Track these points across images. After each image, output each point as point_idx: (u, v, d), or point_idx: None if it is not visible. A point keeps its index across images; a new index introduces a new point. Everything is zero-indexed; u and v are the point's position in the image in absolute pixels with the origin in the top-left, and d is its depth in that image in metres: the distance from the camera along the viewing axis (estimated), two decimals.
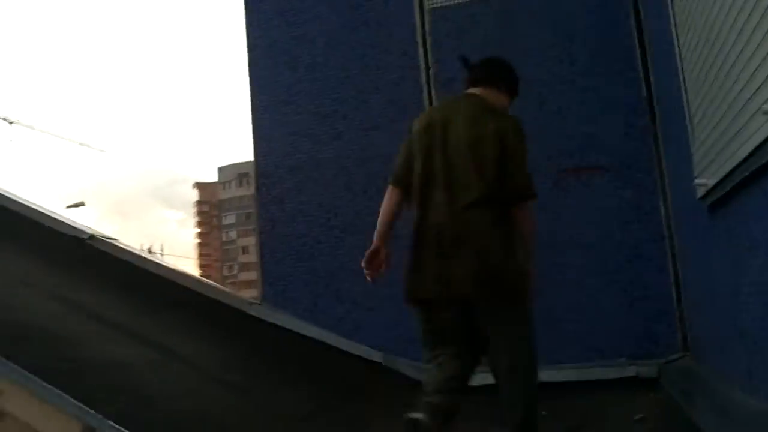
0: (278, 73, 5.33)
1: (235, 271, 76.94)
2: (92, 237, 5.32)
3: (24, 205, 5.71)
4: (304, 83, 5.25)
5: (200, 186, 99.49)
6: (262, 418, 3.63)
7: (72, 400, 2.93)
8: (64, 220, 5.54)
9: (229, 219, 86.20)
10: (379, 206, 4.90)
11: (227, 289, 5.35)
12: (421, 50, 4.97)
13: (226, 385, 3.97)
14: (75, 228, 5.43)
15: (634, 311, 4.38)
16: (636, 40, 4.55)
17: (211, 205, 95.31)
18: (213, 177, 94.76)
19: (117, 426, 2.85)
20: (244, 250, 74.70)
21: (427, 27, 4.97)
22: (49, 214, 5.59)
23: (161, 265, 5.21)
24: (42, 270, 4.91)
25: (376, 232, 2.89)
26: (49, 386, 2.98)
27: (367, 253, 2.84)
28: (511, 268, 2.55)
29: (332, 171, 5.09)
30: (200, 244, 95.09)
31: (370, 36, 5.11)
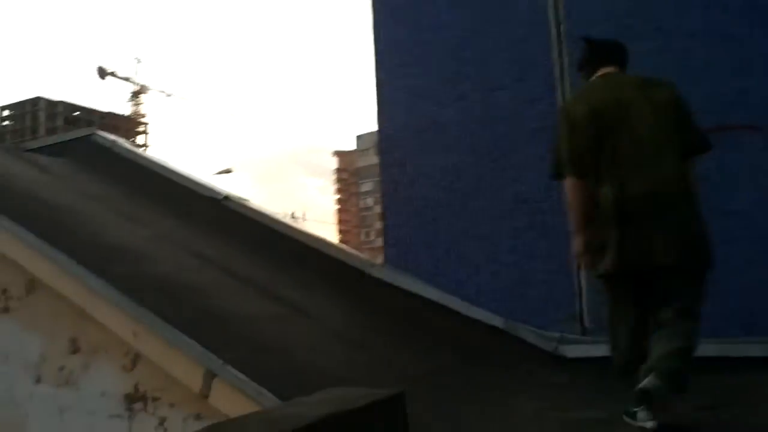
0: (402, 36, 5.28)
1: (372, 237, 78.81)
2: (226, 198, 5.60)
3: (169, 169, 6.12)
4: (427, 44, 5.16)
5: (339, 154, 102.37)
6: (381, 375, 3.68)
7: (196, 344, 3.12)
8: (203, 183, 5.87)
9: (367, 186, 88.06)
10: (504, 168, 4.80)
11: (351, 250, 5.44)
12: (551, 4, 4.70)
13: (347, 342, 4.06)
14: (211, 190, 5.74)
15: None
16: None
17: (349, 172, 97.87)
18: (351, 145, 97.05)
19: (236, 372, 3.00)
20: (380, 216, 76.20)
21: None
22: (190, 177, 5.95)
23: (288, 225, 5.40)
24: (182, 228, 5.26)
25: (577, 229, 2.79)
26: (176, 331, 3.19)
27: (580, 250, 2.79)
28: (705, 234, 2.66)
29: (455, 133, 4.99)
30: (339, 211, 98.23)
31: None
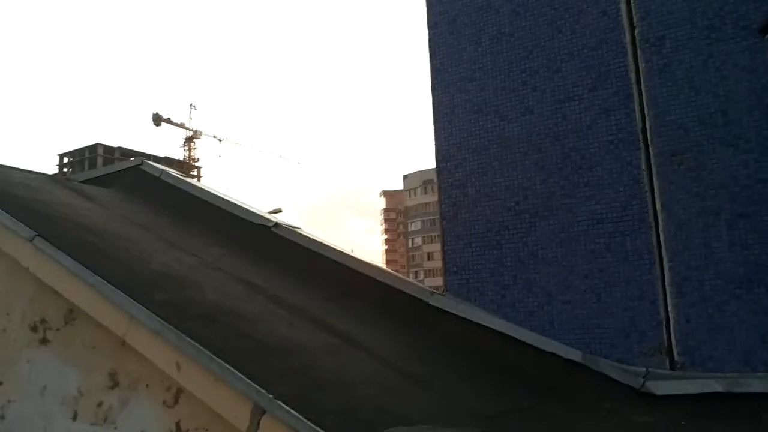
0: (461, 49, 4.98)
1: (421, 277, 78.15)
2: (276, 225, 5.32)
3: (218, 197, 5.90)
4: (489, 56, 4.83)
5: (387, 194, 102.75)
6: (446, 414, 3.27)
7: (243, 378, 2.78)
8: (252, 210, 5.62)
9: (415, 225, 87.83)
10: (577, 185, 4.40)
11: (408, 278, 5.07)
12: (624, 7, 4.33)
13: (407, 376, 3.66)
14: (262, 217, 5.48)
15: None
16: None
17: (397, 212, 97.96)
18: (399, 185, 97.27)
19: (288, 408, 2.64)
20: (429, 256, 75.63)
21: None
22: (239, 204, 5.71)
23: (342, 252, 5.06)
24: (231, 255, 4.98)
25: None
26: (222, 362, 2.86)
27: None
28: None
29: (521, 149, 4.61)
30: (387, 250, 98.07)
31: None
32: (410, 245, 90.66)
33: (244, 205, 5.70)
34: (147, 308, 3.27)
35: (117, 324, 3.36)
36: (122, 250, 4.31)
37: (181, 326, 3.15)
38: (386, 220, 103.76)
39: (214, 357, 2.93)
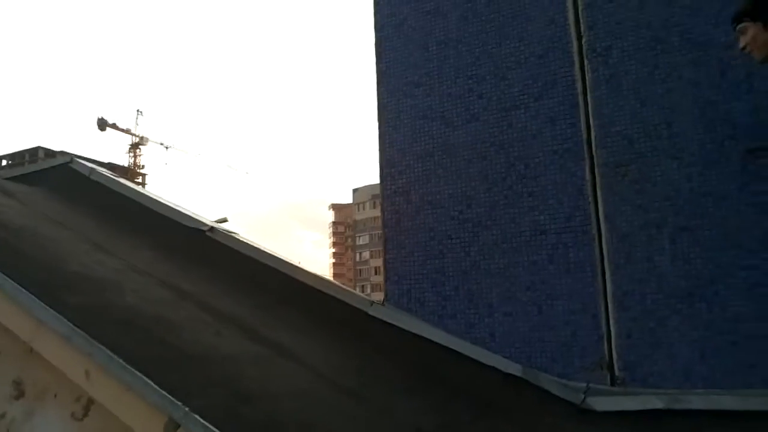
0: (408, 53, 4.86)
1: (368, 291, 77.95)
2: (212, 229, 5.07)
3: (151, 198, 5.61)
4: (436, 62, 4.73)
5: (336, 207, 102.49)
6: (381, 428, 3.09)
7: (157, 388, 2.54)
8: (186, 213, 5.35)
9: (363, 239, 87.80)
10: (521, 195, 4.32)
11: (347, 287, 4.88)
12: (571, 16, 4.29)
13: (340, 389, 3.47)
14: (196, 220, 5.21)
15: None
16: None
17: (345, 225, 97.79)
18: (348, 199, 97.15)
19: (204, 422, 2.41)
20: (377, 270, 75.58)
21: None
22: (173, 206, 5.43)
23: (280, 259, 4.84)
24: (160, 259, 4.71)
25: None
26: (135, 371, 2.61)
27: None
28: None
29: (466, 157, 4.50)
30: (335, 264, 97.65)
31: (510, 5, 4.50)
32: (358, 259, 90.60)
33: (178, 208, 5.42)
34: (58, 311, 3.00)
35: (23, 328, 3.06)
36: (39, 250, 4.00)
37: (94, 332, 2.88)
38: (334, 234, 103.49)
39: (127, 365, 2.68)
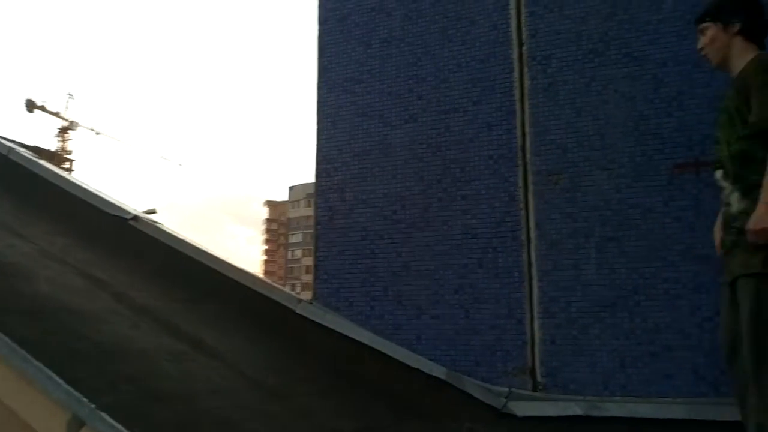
0: (350, 49, 4.78)
1: (298, 290, 77.33)
2: (135, 218, 4.85)
3: (73, 183, 5.33)
4: (378, 60, 4.67)
5: (270, 204, 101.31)
6: (299, 429, 3.00)
7: (62, 383, 2.38)
8: (109, 200, 5.10)
9: (296, 238, 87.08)
10: (455, 198, 4.30)
11: (275, 284, 4.76)
12: (514, 23, 4.31)
13: (261, 388, 3.37)
14: (119, 208, 4.98)
15: None
16: None
17: (279, 223, 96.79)
18: (283, 196, 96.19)
19: (112, 421, 2.27)
20: (308, 269, 74.98)
21: None
22: (95, 192, 5.17)
23: (205, 252, 4.67)
24: (78, 247, 4.47)
25: None
26: (39, 364, 2.44)
27: None
28: None
29: (403, 157, 4.46)
30: (266, 261, 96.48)
31: (455, 7, 4.49)
32: (290, 257, 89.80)
33: (100, 194, 5.17)
34: None
35: None
36: None
37: None
38: (268, 231, 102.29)
39: (30, 358, 2.50)
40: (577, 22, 4.13)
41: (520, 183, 4.10)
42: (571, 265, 3.87)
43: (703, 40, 2.68)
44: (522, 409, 3.76)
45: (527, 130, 4.14)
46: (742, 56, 2.53)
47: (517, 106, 4.20)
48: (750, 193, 2.42)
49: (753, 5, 2.58)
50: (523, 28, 4.26)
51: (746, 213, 2.41)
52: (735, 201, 2.54)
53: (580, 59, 4.09)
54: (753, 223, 2.30)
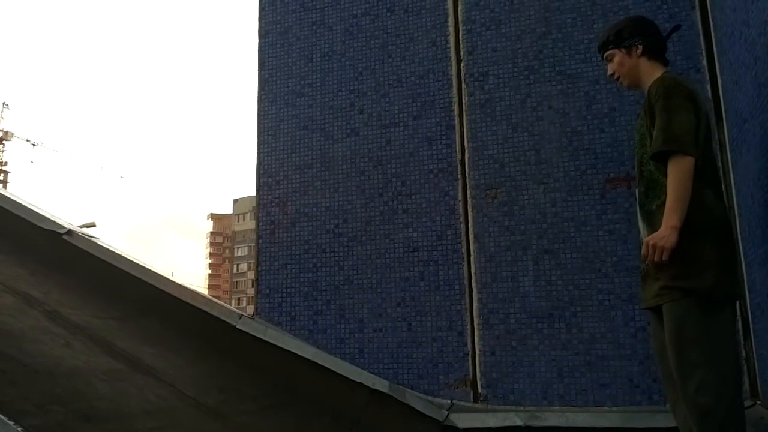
0: (291, 62, 4.78)
1: (243, 303, 76.20)
2: (69, 232, 4.70)
3: (2, 195, 5.13)
4: (319, 73, 4.68)
5: (215, 217, 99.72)
6: None
7: None
8: (41, 213, 4.93)
9: (242, 251, 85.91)
10: (396, 211, 4.34)
11: (214, 299, 4.69)
12: (452, 40, 4.39)
13: (200, 407, 3.30)
14: (52, 222, 4.82)
15: None
16: (701, 34, 3.94)
17: (224, 236, 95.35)
18: (228, 209, 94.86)
19: None
20: (253, 283, 74.18)
21: (460, 15, 4.40)
22: (26, 205, 4.99)
23: (143, 268, 4.57)
24: (8, 264, 4.30)
25: (681, 219, 2.32)
26: None
27: (671, 247, 2.31)
28: None
29: (344, 170, 4.48)
30: (211, 275, 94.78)
31: (394, 23, 4.55)
32: (235, 271, 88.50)
33: (32, 207, 5.00)
34: None
35: None
36: None
37: None
38: (212, 244, 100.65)
39: None
40: (513, 40, 4.24)
41: (460, 197, 4.17)
42: (510, 277, 3.95)
43: (612, 67, 2.78)
44: (463, 421, 3.80)
45: (466, 144, 4.22)
46: (650, 75, 2.65)
47: (456, 121, 4.28)
48: (651, 220, 2.50)
49: (648, 26, 2.72)
50: (461, 45, 4.35)
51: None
52: (641, 228, 2.62)
53: (516, 76, 4.20)
54: (652, 237, 2.34)
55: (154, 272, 4.48)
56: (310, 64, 4.73)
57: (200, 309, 4.35)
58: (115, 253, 4.63)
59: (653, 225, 2.44)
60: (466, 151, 4.20)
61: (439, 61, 4.41)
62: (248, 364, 4.07)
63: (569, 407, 3.72)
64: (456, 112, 4.28)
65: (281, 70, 4.80)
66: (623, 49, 2.68)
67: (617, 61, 2.73)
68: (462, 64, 4.34)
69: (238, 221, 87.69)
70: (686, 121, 2.37)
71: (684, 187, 2.30)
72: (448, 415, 3.77)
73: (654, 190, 2.49)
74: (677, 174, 2.31)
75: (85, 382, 2.96)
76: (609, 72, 2.83)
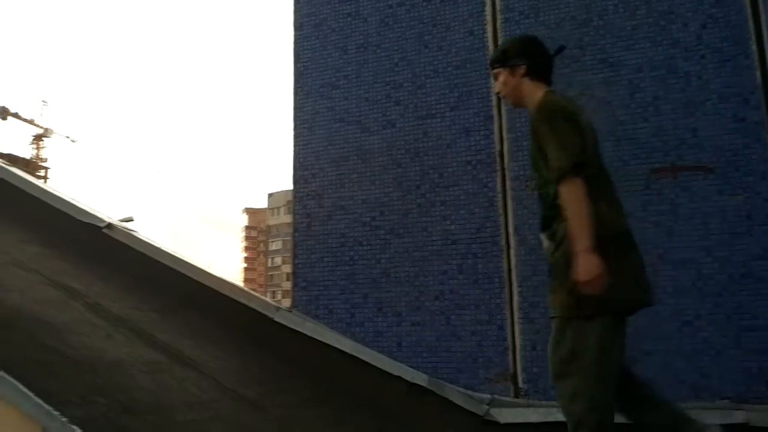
0: (326, 54, 4.75)
1: (278, 297, 76.94)
2: (109, 226, 4.77)
3: (43, 189, 5.22)
4: (354, 65, 4.65)
5: (250, 211, 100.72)
6: None
7: (32, 396, 2.31)
8: (82, 207, 5.01)
9: (276, 245, 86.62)
10: (433, 204, 4.29)
11: (253, 292, 4.70)
12: (490, 29, 4.31)
13: (240, 399, 3.31)
14: (92, 216, 4.89)
15: (742, 343, 3.55)
16: (749, 18, 3.80)
17: (258, 230, 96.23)
18: (263, 203, 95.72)
19: None
20: (288, 277, 74.60)
21: (498, 4, 4.32)
22: (67, 200, 5.07)
23: (183, 261, 4.61)
24: (50, 257, 4.38)
25: (590, 238, 2.30)
26: (7, 377, 2.37)
27: (598, 271, 2.27)
28: None
29: (381, 163, 4.44)
30: (246, 269, 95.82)
31: (431, 13, 4.49)
32: (270, 265, 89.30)
33: (73, 202, 5.08)
34: None
35: None
36: None
37: None
38: (247, 238, 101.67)
39: None
40: (552, 28, 4.15)
41: (499, 188, 4.10)
42: None
43: (497, 85, 2.80)
44: (504, 415, 3.74)
45: (505, 135, 4.14)
46: (532, 95, 2.66)
47: (495, 111, 4.20)
48: (552, 237, 2.52)
49: (534, 48, 2.75)
50: (499, 34, 4.27)
51: (552, 254, 2.52)
52: (545, 243, 2.62)
53: (556, 65, 4.08)
54: (579, 274, 2.29)
55: (194, 265, 4.51)
56: (346, 56, 4.69)
57: (239, 302, 4.37)
58: (155, 246, 4.67)
59: (555, 240, 2.48)
60: (505, 141, 4.13)
61: (476, 50, 4.33)
62: (286, 357, 4.07)
63: None
64: (494, 103, 4.20)
65: (316, 63, 4.77)
66: (507, 69, 2.70)
67: (501, 80, 2.75)
68: None
69: (273, 215, 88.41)
70: (569, 145, 2.38)
71: (581, 209, 2.32)
72: (488, 409, 3.71)
73: (552, 210, 2.50)
74: (573, 200, 2.34)
75: (126, 374, 2.99)
76: (495, 90, 2.84)
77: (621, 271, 2.34)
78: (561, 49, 2.80)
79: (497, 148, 4.16)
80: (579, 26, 4.13)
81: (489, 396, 3.85)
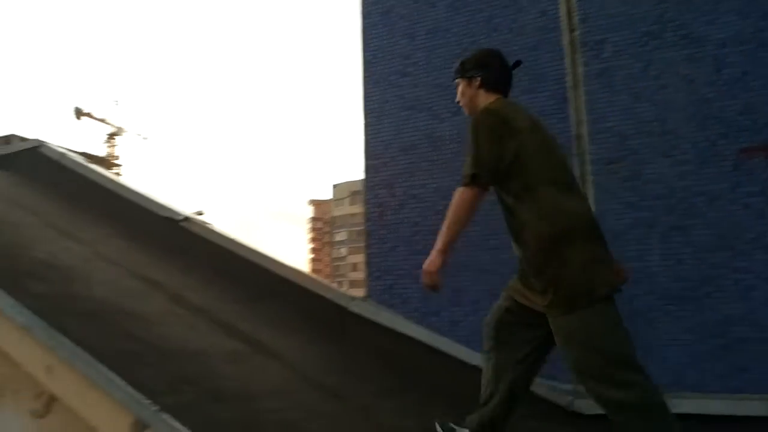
0: (394, 42, 4.71)
1: (345, 287, 77.74)
2: (186, 219, 4.87)
3: (123, 185, 5.40)
4: (423, 51, 4.59)
5: (315, 203, 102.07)
6: (359, 428, 2.95)
7: (125, 385, 2.37)
8: (160, 202, 5.14)
9: (341, 236, 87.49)
10: None
11: (328, 282, 4.72)
12: (563, 8, 4.17)
13: (320, 388, 3.32)
14: (170, 209, 5.01)
15: None
16: None
17: (323, 221, 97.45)
18: (328, 194, 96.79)
19: (174, 422, 2.26)
20: (354, 267, 75.33)
21: None
22: (145, 194, 5.22)
23: (258, 252, 4.66)
24: (132, 249, 4.52)
25: (449, 244, 2.56)
26: (101, 366, 2.44)
27: (436, 270, 2.53)
28: None
29: (452, 150, 4.37)
30: (312, 260, 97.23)
31: None
32: (335, 255, 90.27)
33: (150, 196, 5.22)
34: (19, 300, 2.82)
35: None
36: (3, 235, 3.80)
37: (57, 323, 2.72)
38: (312, 229, 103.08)
39: (93, 360, 2.51)
40: (630, 4, 3.98)
41: (578, 172, 3.96)
42: (635, 257, 3.73)
43: (458, 94, 2.83)
44: (590, 407, 3.61)
45: (583, 117, 4.00)
46: (483, 105, 2.68)
47: (570, 93, 4.07)
48: (518, 238, 2.60)
49: (491, 61, 2.76)
50: (574, 13, 4.12)
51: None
52: (515, 248, 2.66)
53: (635, 43, 3.93)
54: (425, 264, 2.51)
55: (270, 257, 4.56)
56: (414, 43, 4.64)
57: (313, 292, 4.39)
58: (231, 238, 4.75)
59: (519, 243, 2.58)
60: (584, 124, 3.99)
61: (549, 31, 4.20)
62: (364, 347, 4.07)
63: (704, 394, 3.47)
64: (570, 84, 4.07)
65: (384, 51, 4.74)
66: (465, 80, 2.75)
67: (460, 90, 2.79)
68: (575, 33, 4.11)
69: (337, 206, 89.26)
70: (478, 156, 2.49)
71: (456, 215, 2.54)
72: (573, 400, 3.61)
73: (511, 214, 2.61)
74: (454, 205, 2.54)
75: (210, 363, 3.05)
76: (456, 99, 2.85)
77: (594, 259, 2.40)
78: (518, 63, 2.83)
79: (575, 131, 4.02)
80: (658, 1, 3.94)
81: (572, 387, 3.74)
